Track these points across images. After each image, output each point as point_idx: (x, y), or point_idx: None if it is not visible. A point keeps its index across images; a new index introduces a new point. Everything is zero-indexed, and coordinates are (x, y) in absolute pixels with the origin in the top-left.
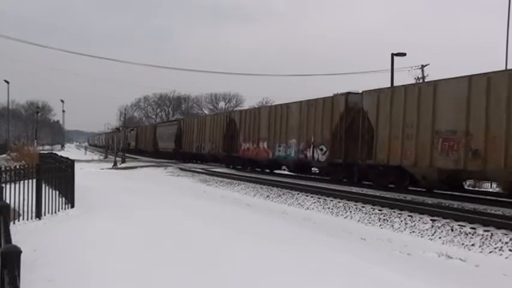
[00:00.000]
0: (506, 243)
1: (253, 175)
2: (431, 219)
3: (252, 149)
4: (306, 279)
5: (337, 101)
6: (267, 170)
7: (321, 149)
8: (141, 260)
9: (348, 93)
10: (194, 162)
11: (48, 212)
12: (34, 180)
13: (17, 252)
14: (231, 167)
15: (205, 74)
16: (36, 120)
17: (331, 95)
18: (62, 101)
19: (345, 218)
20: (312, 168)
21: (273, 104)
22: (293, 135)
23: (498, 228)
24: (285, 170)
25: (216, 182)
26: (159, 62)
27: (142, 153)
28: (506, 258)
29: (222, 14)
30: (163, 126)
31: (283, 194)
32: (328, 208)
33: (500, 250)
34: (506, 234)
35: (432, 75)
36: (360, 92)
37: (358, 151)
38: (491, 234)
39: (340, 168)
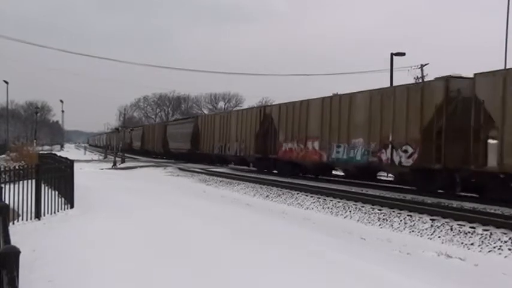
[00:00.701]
0: (506, 242)
1: (252, 175)
2: (430, 219)
3: (298, 150)
4: (305, 279)
5: (431, 88)
6: (311, 175)
7: (405, 151)
8: (141, 260)
9: (449, 78)
10: (215, 165)
11: (48, 212)
12: (33, 181)
13: (15, 253)
14: (265, 171)
15: (205, 74)
16: (36, 121)
17: (404, 83)
18: (61, 101)
19: (345, 217)
20: (379, 174)
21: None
22: (359, 134)
23: (497, 227)
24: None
25: (216, 182)
26: (159, 62)
27: (149, 155)
28: (506, 257)
29: (221, 14)
30: (175, 125)
31: (283, 193)
32: (328, 208)
33: (499, 249)
34: (505, 233)
35: (432, 74)
36: (465, 75)
37: (471, 153)
38: (491, 234)
39: (434, 176)
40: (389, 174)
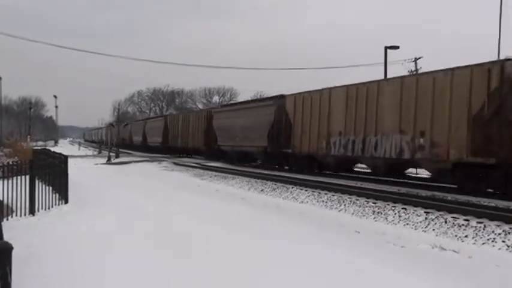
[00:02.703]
0: (499, 234)
1: (248, 169)
2: (425, 212)
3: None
4: (301, 274)
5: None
6: (330, 172)
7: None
8: (136, 255)
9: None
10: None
11: (42, 208)
12: (27, 176)
13: (8, 249)
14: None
15: (199, 69)
16: (29, 116)
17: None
18: (55, 96)
19: (339, 211)
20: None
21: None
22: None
23: (491, 219)
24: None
25: (210, 177)
26: (153, 57)
27: (179, 152)
28: (499, 249)
29: (214, 8)
30: (238, 110)
31: (278, 187)
32: (323, 201)
33: (493, 241)
34: (499, 226)
35: (425, 68)
36: None
37: None
38: (484, 226)
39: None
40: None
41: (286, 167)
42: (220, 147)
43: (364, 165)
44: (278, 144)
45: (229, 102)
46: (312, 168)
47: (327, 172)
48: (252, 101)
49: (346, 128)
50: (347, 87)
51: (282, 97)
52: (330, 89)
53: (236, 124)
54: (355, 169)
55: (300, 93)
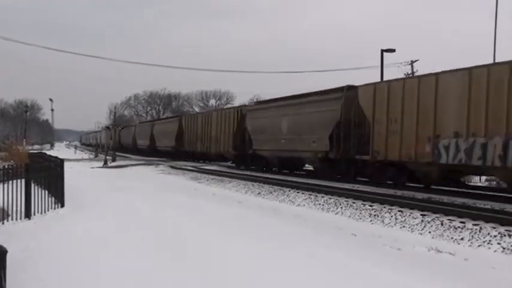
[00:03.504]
0: (495, 236)
1: (245, 172)
2: (421, 214)
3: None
4: (299, 277)
5: None
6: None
7: None
8: (133, 258)
9: None
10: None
11: (38, 212)
12: (23, 180)
13: (2, 252)
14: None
15: (196, 72)
16: (25, 120)
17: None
18: (51, 99)
19: (336, 214)
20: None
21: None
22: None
23: (487, 222)
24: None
25: (207, 180)
26: (149, 60)
27: (197, 158)
28: (495, 251)
29: (211, 11)
30: (289, 107)
31: (274, 190)
32: (319, 204)
33: (488, 244)
34: (494, 228)
35: (422, 71)
36: None
37: None
38: (480, 228)
39: None
40: None
41: (361, 178)
42: (256, 151)
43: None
44: (346, 148)
45: (267, 99)
46: (399, 179)
47: (418, 185)
48: (304, 95)
49: (469, 126)
50: (469, 71)
51: (351, 88)
52: (436, 74)
53: (280, 124)
54: (466, 182)
55: (382, 82)
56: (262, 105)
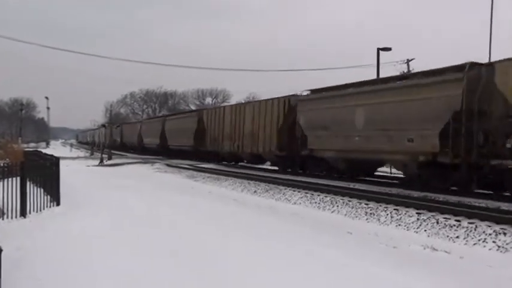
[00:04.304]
0: (490, 234)
1: (240, 170)
2: (417, 213)
3: None
4: (298, 276)
5: None
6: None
7: None
8: (129, 257)
9: None
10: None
11: (33, 210)
12: (18, 178)
13: None
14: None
15: (192, 70)
16: (20, 118)
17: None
18: (47, 97)
19: (332, 212)
20: None
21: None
22: None
23: (482, 220)
24: None
25: (204, 178)
26: (145, 58)
27: (224, 160)
28: (490, 249)
29: (211, 11)
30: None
31: (271, 189)
32: (315, 202)
33: (484, 242)
34: (490, 226)
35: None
36: None
37: None
38: (476, 227)
39: None
40: None
41: (486, 191)
42: (314, 152)
43: None
44: (468, 148)
45: (326, 86)
46: None
47: None
48: (392, 78)
49: None
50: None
51: (474, 66)
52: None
53: (353, 116)
54: None
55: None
56: (323, 93)
